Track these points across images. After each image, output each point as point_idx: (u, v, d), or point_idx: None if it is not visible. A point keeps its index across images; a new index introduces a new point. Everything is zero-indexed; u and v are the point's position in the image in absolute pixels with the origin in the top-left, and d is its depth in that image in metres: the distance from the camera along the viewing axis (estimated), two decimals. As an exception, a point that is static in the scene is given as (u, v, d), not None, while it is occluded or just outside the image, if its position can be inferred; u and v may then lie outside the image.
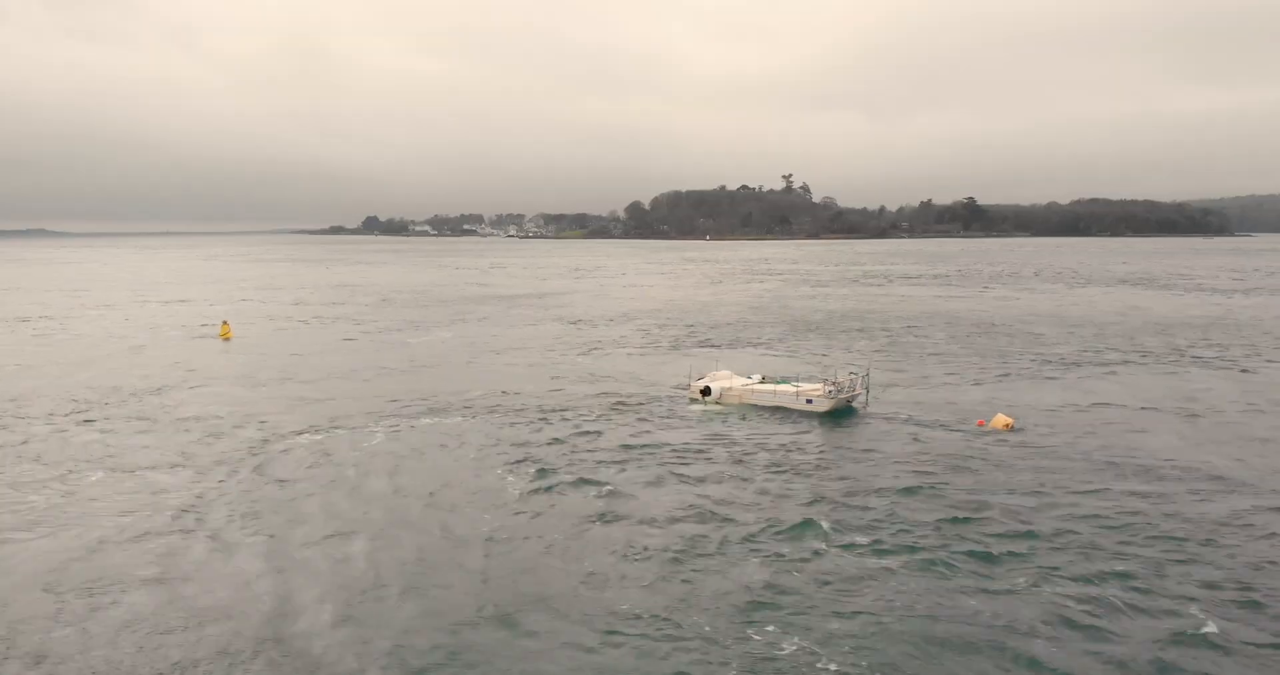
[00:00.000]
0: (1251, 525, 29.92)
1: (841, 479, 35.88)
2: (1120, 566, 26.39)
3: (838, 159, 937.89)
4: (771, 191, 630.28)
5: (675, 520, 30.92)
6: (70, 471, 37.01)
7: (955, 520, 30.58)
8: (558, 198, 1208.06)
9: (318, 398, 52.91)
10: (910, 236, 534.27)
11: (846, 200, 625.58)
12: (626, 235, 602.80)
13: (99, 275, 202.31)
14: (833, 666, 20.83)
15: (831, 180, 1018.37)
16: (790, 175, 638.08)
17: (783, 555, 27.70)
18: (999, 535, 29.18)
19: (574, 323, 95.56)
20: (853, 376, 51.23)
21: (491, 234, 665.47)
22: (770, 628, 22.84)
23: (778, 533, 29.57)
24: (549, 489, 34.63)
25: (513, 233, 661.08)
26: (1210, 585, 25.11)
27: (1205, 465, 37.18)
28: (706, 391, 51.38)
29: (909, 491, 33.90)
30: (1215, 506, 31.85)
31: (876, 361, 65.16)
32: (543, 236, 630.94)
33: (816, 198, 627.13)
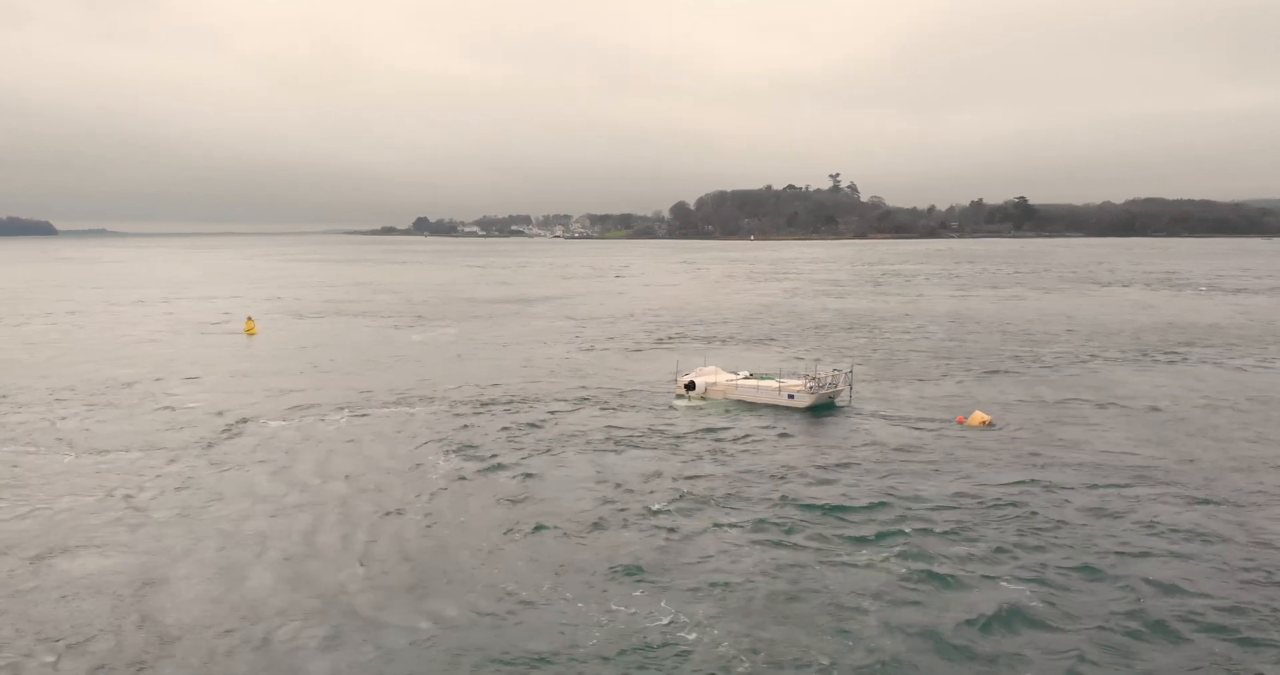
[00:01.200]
0: (1126, 513, 30.55)
1: (783, 465, 37.14)
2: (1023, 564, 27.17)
3: (884, 158, 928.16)
4: (818, 191, 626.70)
5: (585, 502, 32.43)
6: (45, 451, 39.60)
7: (865, 506, 31.74)
8: (603, 198, 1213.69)
9: (301, 388, 55.25)
10: (960, 236, 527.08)
11: (895, 199, 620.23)
12: (671, 235, 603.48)
13: (144, 273, 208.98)
14: (692, 636, 22.04)
15: (879, 179, 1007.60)
16: (837, 174, 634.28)
17: (672, 530, 29.11)
18: (897, 517, 30.36)
19: (578, 320, 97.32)
20: (836, 373, 52.09)
21: (538, 234, 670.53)
22: (640, 594, 24.27)
23: (681, 511, 30.94)
24: (475, 473, 36.34)
25: (558, 233, 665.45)
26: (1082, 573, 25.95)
27: (1151, 463, 37.41)
28: (691, 386, 52.18)
29: (840, 479, 35.08)
30: (1132, 501, 32.48)
31: (871, 359, 65.98)
32: (587, 237, 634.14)
33: (864, 197, 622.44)
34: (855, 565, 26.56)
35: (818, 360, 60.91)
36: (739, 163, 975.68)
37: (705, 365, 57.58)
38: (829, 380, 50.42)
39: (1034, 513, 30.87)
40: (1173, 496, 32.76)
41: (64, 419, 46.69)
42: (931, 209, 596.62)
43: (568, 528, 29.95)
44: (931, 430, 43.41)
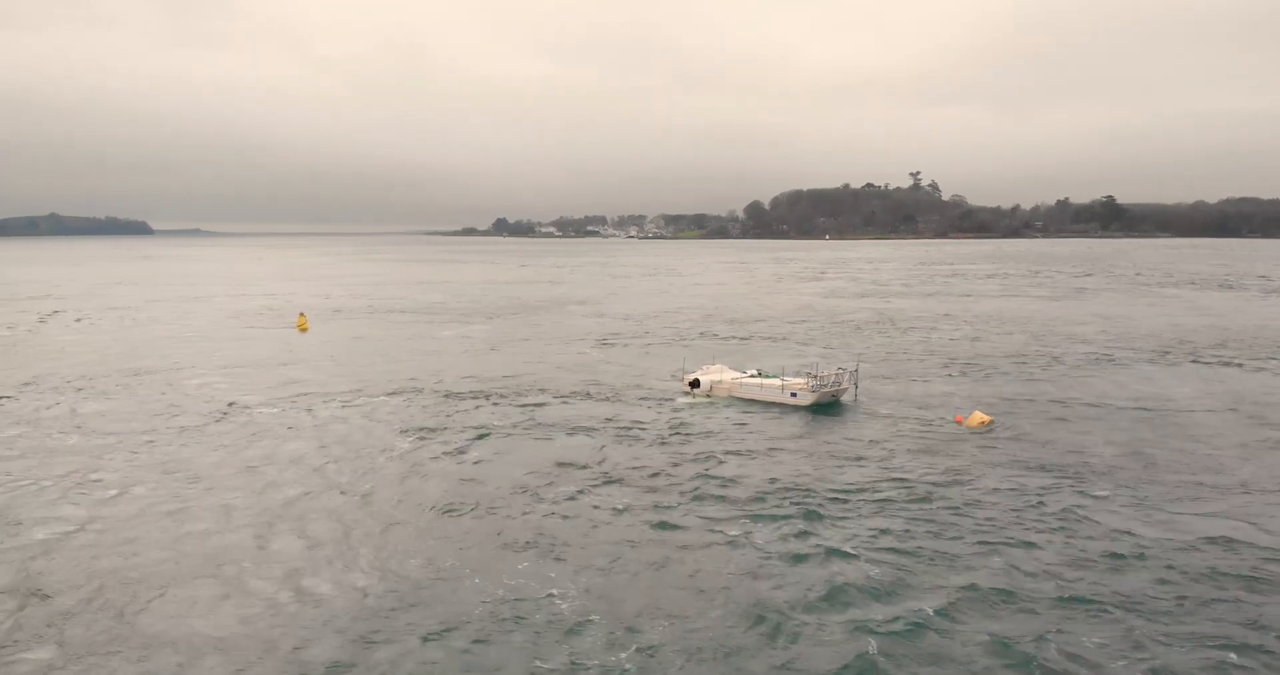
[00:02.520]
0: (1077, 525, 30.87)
1: (749, 456, 38.28)
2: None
3: (967, 155, 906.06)
4: (898, 189, 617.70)
5: (527, 484, 34.24)
6: (52, 432, 43.07)
7: (792, 489, 32.71)
8: (679, 198, 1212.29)
9: (316, 378, 58.29)
10: (1044, 236, 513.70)
11: (977, 198, 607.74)
12: (745, 235, 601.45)
13: (217, 271, 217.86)
14: (565, 606, 23.54)
15: (961, 177, 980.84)
16: (918, 172, 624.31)
17: (595, 508, 30.69)
18: (825, 505, 31.32)
19: (611, 318, 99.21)
20: (841, 371, 52.23)
21: (613, 235, 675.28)
22: (526, 566, 25.91)
23: (612, 495, 32.56)
24: (435, 455, 38.46)
25: (633, 233, 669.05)
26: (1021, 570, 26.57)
27: (1135, 464, 37.18)
28: (695, 384, 52.86)
29: (800, 470, 36.13)
30: (1099, 503, 32.75)
31: (891, 358, 65.99)
32: (661, 237, 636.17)
33: (945, 196, 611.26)
34: (742, 546, 27.77)
35: (816, 360, 61.27)
36: (816, 161, 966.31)
37: (713, 363, 58.15)
38: (832, 379, 50.49)
39: (983, 512, 31.15)
40: (1151, 499, 32.55)
41: (83, 403, 50.29)
42: (1015, 208, 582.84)
43: (494, 506, 31.75)
44: (928, 430, 43.27)
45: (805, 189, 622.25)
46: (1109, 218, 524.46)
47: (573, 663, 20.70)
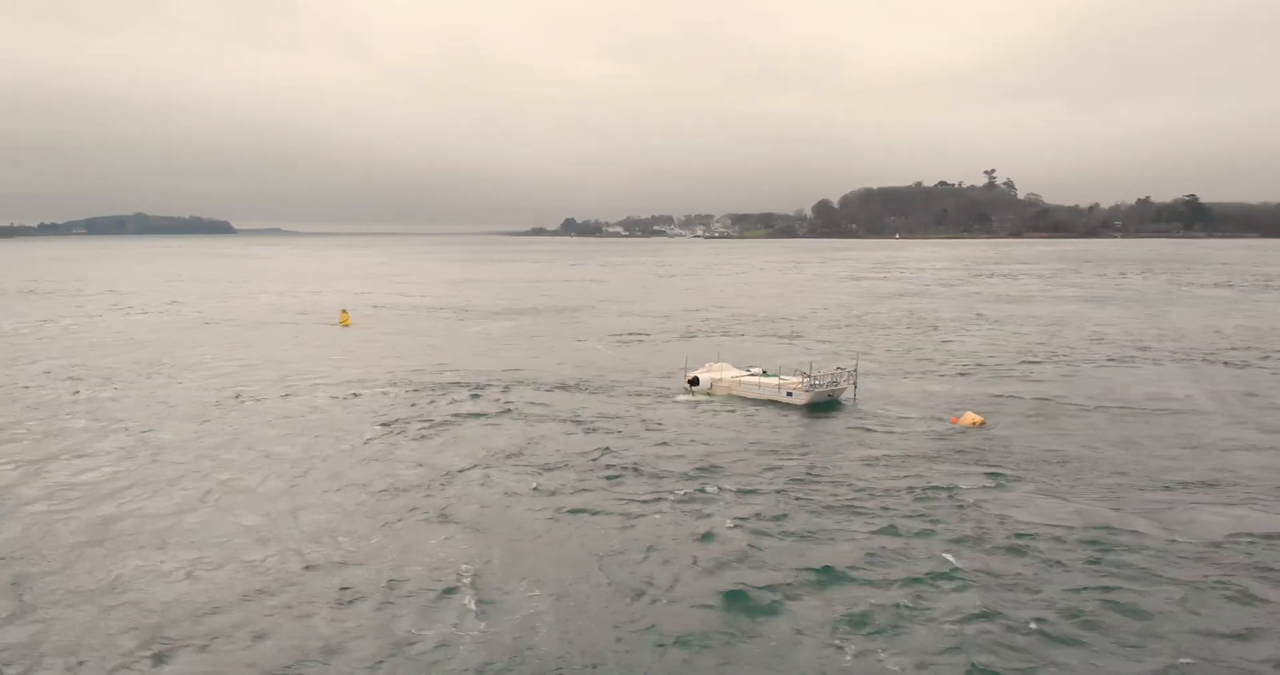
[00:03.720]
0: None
1: (710, 450, 39.57)
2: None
3: (1042, 152, 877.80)
4: (972, 187, 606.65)
5: (474, 466, 36.21)
6: (62, 415, 46.67)
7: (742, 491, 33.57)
8: (747, 197, 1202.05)
9: (324, 369, 61.23)
10: (1123, 236, 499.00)
11: (1054, 197, 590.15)
12: (812, 234, 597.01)
13: (282, 269, 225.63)
14: (463, 578, 25.25)
15: (1036, 175, 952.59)
16: (993, 170, 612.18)
17: (509, 494, 32.45)
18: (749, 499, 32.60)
19: (638, 316, 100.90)
20: (840, 371, 52.57)
21: (679, 234, 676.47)
22: (445, 542, 27.82)
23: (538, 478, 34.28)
24: (404, 440, 40.72)
25: (699, 233, 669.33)
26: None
27: (1116, 465, 36.91)
28: (695, 381, 53.61)
29: (753, 463, 37.26)
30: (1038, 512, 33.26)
31: (903, 358, 66.11)
32: (727, 236, 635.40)
33: (1021, 194, 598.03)
34: (631, 525, 29.24)
35: (811, 360, 61.40)
36: (885, 159, 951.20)
37: (717, 361, 58.46)
38: (829, 378, 50.74)
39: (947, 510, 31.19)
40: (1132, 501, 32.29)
41: (102, 391, 53.86)
42: (1093, 207, 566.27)
43: (431, 488, 33.73)
44: (919, 430, 43.09)
45: (876, 187, 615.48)
46: (1191, 217, 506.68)
47: (454, 628, 22.38)
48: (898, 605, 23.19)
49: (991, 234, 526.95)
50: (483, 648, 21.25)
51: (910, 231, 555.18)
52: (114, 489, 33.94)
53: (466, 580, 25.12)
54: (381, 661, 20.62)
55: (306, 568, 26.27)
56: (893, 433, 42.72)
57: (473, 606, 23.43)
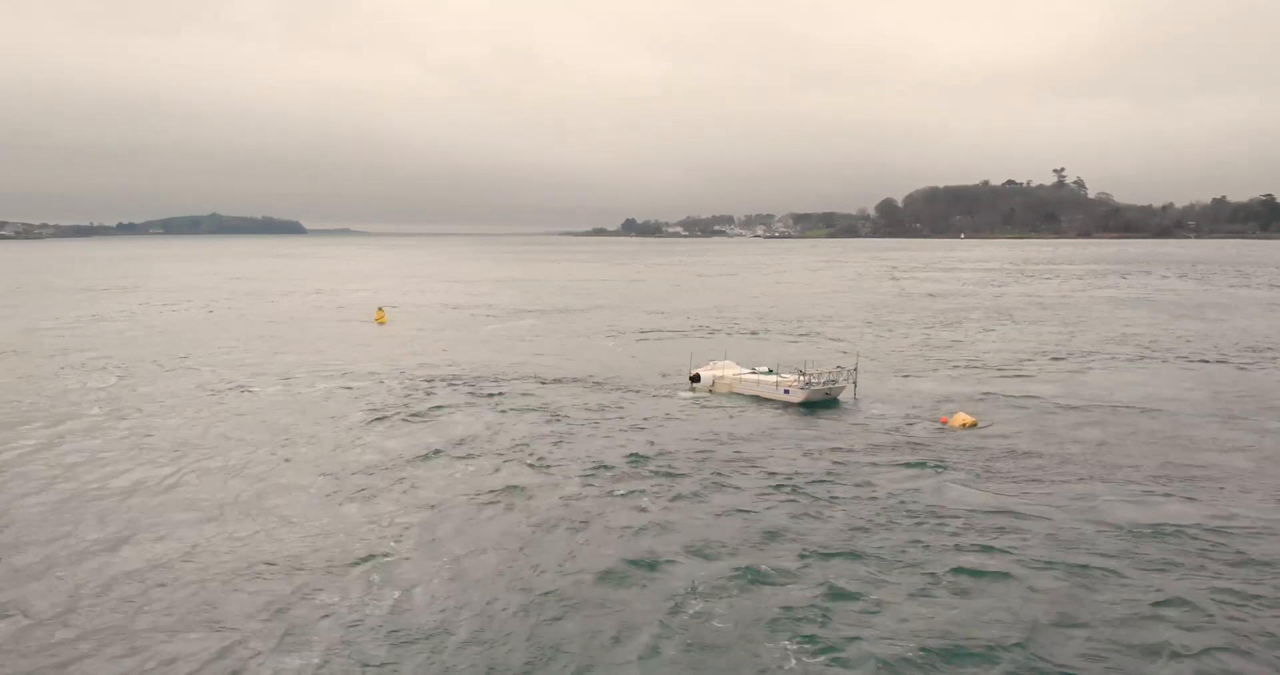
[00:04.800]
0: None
1: (680, 445, 40.83)
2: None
3: (1113, 151, 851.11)
4: (1040, 186, 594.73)
5: (438, 448, 38.16)
6: (76, 403, 49.84)
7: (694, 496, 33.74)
8: (809, 196, 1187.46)
9: (343, 363, 63.82)
10: (1196, 237, 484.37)
11: (1126, 196, 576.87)
12: (875, 234, 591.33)
13: (338, 268, 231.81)
14: (390, 545, 27.02)
15: (1107, 174, 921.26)
16: (1062, 169, 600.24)
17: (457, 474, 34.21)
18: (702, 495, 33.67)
19: (663, 314, 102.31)
20: (839, 369, 52.88)
21: (739, 234, 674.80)
22: (368, 511, 29.60)
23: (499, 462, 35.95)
24: (384, 428, 42.95)
25: (759, 233, 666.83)
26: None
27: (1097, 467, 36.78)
28: (696, 378, 54.44)
29: (723, 458, 37.91)
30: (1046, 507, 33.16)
31: (914, 357, 66.15)
32: (787, 236, 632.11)
33: (1091, 193, 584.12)
34: (564, 507, 30.65)
35: (807, 359, 61.50)
36: (950, 157, 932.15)
37: (723, 359, 58.79)
38: (827, 376, 51.03)
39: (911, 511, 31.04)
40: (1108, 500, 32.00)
41: (115, 380, 57.10)
42: (1166, 207, 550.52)
43: (387, 470, 35.68)
44: (907, 429, 43.12)
45: (941, 186, 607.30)
46: (1268, 217, 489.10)
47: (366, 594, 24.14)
48: (746, 576, 24.29)
49: (1060, 234, 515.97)
50: (387, 619, 22.77)
51: (976, 231, 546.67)
52: (80, 463, 36.90)
53: (388, 556, 26.81)
54: (284, 631, 22.34)
55: (236, 540, 28.27)
56: (877, 431, 42.78)
57: (377, 579, 25.10)
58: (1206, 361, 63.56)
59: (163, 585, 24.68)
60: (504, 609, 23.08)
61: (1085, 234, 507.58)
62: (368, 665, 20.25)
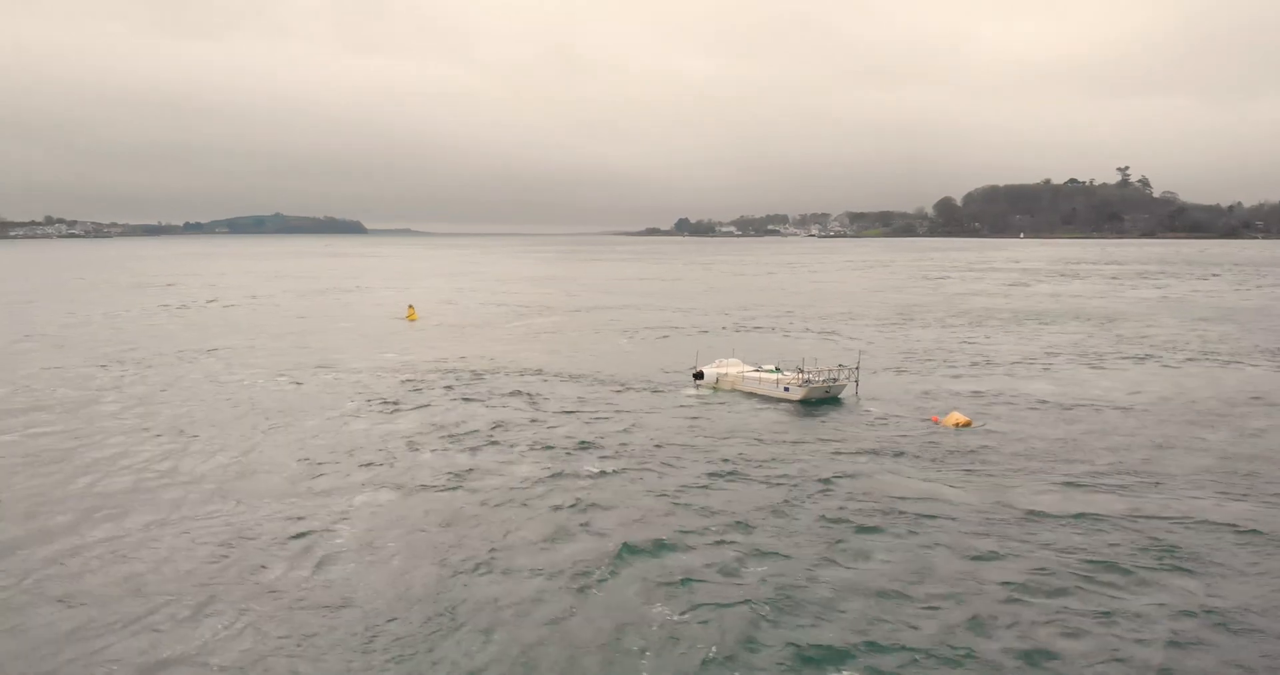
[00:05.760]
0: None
1: (664, 432, 42.03)
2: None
3: (1176, 149, 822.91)
4: (1103, 185, 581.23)
5: (414, 434, 39.72)
6: (96, 388, 52.52)
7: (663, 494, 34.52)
8: (866, 195, 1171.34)
9: (355, 358, 66.01)
10: (1265, 237, 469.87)
11: (1192, 195, 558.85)
12: (933, 233, 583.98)
13: (388, 267, 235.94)
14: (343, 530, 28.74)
15: (1172, 173, 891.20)
16: (1126, 167, 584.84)
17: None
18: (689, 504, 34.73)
19: (683, 312, 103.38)
20: (841, 367, 53.06)
21: (793, 234, 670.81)
22: (312, 495, 31.23)
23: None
24: (364, 418, 44.71)
25: (814, 232, 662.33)
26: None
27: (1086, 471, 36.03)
28: (699, 375, 55.19)
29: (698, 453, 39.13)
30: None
31: (925, 358, 65.80)
32: (843, 235, 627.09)
33: (1156, 192, 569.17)
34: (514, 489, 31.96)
35: (808, 357, 61.67)
36: (1012, 155, 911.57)
37: (730, 357, 59.07)
38: (827, 374, 51.36)
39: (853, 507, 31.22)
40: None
41: (133, 372, 59.84)
42: (1234, 207, 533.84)
43: (357, 455, 37.37)
44: (902, 427, 43.32)
45: (1001, 185, 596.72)
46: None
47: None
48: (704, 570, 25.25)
49: (1123, 234, 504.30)
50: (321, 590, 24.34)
51: (1036, 231, 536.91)
52: (75, 447, 39.17)
53: (330, 532, 28.39)
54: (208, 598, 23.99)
55: (195, 514, 30.16)
56: (866, 428, 43.12)
57: (311, 550, 26.69)
58: (1237, 364, 62.64)
59: (115, 552, 26.51)
60: (425, 580, 24.56)
61: (1149, 234, 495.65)
62: (273, 633, 21.74)
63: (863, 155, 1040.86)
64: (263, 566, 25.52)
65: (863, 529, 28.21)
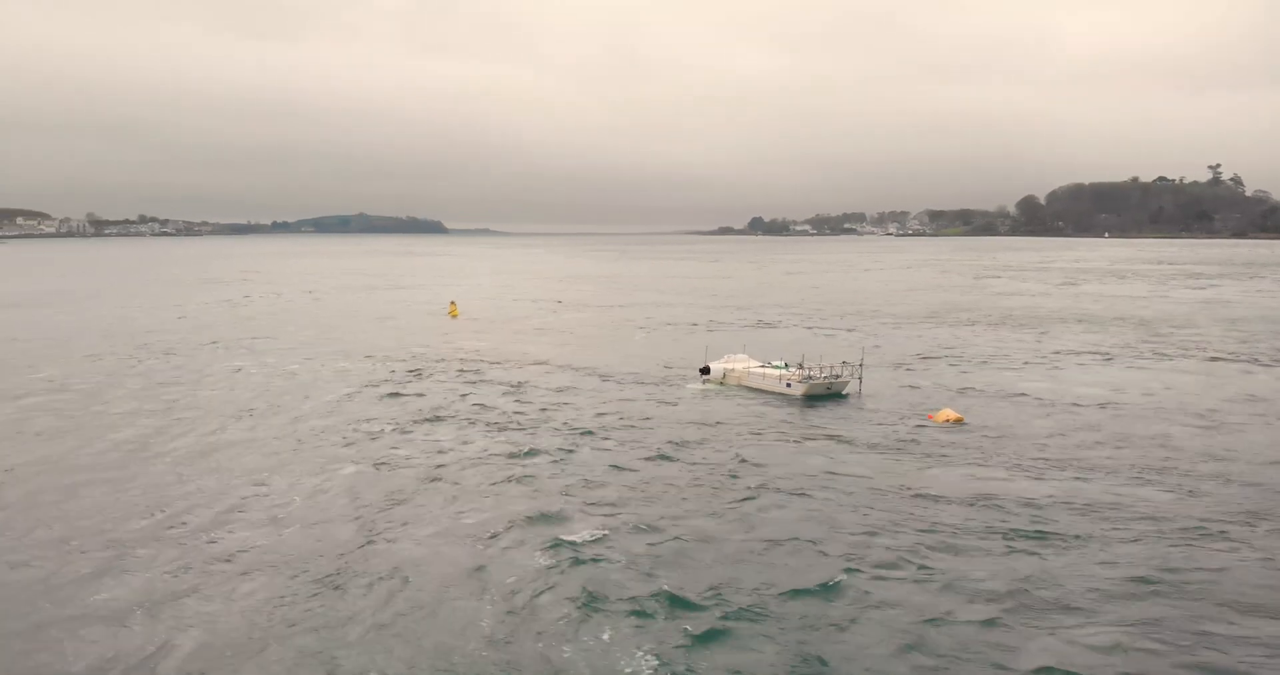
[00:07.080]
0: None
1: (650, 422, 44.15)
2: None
3: (1272, 146, 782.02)
4: (1194, 183, 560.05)
5: (401, 424, 42.72)
6: (124, 375, 56.98)
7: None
8: (946, 193, 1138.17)
9: (384, 347, 69.60)
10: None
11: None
12: (1015, 232, 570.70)
13: (454, 266, 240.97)
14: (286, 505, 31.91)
15: (1269, 171, 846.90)
16: (1218, 165, 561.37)
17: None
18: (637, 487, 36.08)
19: (707, 308, 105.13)
20: (845, 365, 53.61)
21: (870, 232, 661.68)
22: (274, 480, 34.39)
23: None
24: (361, 402, 48.00)
25: (891, 231, 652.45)
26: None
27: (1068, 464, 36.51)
28: (705, 370, 55.77)
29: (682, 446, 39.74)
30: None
31: (938, 358, 65.99)
32: (921, 234, 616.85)
33: (1249, 191, 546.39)
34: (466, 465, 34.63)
35: (803, 355, 62.54)
36: (1095, 153, 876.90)
37: (739, 352, 59.73)
38: (829, 371, 52.06)
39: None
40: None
41: (166, 361, 64.25)
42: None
43: (345, 435, 40.61)
44: (896, 423, 43.72)
45: (1086, 183, 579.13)
46: None
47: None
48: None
49: (1212, 234, 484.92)
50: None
51: (1122, 230, 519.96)
52: (95, 425, 43.12)
53: (287, 504, 31.40)
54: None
55: (224, 494, 32.87)
56: (858, 423, 43.91)
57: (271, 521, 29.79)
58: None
59: (88, 518, 30.06)
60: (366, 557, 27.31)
61: (1240, 234, 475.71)
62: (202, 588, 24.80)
63: (943, 153, 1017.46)
64: (206, 532, 28.63)
65: (767, 507, 30.05)
